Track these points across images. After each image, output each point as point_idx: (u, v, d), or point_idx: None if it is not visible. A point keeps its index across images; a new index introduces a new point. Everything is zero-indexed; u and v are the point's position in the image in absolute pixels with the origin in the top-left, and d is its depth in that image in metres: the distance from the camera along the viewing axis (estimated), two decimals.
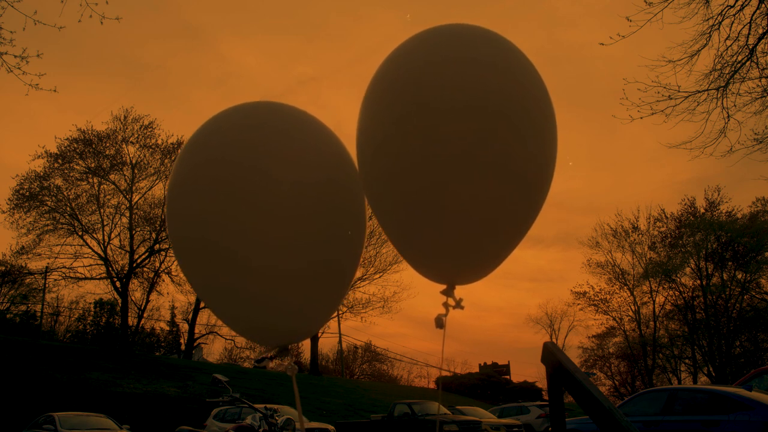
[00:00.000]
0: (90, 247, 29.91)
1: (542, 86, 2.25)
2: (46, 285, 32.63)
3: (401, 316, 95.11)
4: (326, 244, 2.10)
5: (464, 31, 2.23)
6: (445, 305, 2.32)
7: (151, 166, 30.51)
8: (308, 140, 2.17)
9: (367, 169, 2.29)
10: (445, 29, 2.26)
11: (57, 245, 29.24)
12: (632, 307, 37.79)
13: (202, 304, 33.89)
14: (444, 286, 2.35)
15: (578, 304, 39.30)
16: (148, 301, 33.41)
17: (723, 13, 9.62)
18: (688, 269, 35.63)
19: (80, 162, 29.27)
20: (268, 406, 6.65)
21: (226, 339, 38.89)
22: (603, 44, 9.68)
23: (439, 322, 2.30)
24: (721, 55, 9.92)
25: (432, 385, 45.66)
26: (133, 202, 30.23)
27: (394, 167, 2.15)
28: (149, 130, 30.53)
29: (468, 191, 2.09)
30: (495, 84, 2.08)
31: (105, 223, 30.06)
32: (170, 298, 59.79)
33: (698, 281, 35.27)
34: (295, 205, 2.02)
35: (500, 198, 2.15)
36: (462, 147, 2.05)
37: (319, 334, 36.04)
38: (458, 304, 2.34)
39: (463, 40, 2.18)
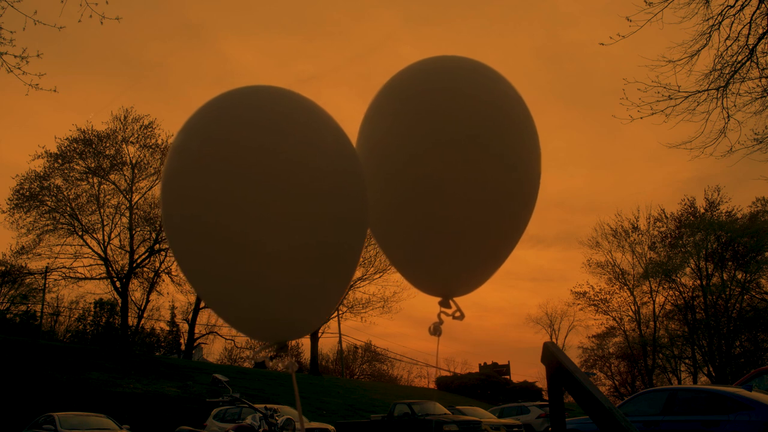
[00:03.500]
0: (90, 247, 29.95)
1: (530, 118, 2.43)
2: (46, 285, 32.65)
3: (401, 316, 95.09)
4: (337, 225, 2.10)
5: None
6: (439, 315, 2.34)
7: (151, 166, 30.54)
8: (328, 131, 2.19)
9: (381, 192, 2.36)
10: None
11: (57, 245, 29.28)
12: (632, 307, 37.82)
13: (202, 304, 33.89)
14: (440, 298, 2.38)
15: (578, 304, 39.36)
16: (148, 301, 33.45)
17: (723, 13, 9.63)
18: (688, 269, 35.67)
19: (80, 162, 29.29)
20: (268, 406, 6.66)
21: (226, 339, 38.96)
22: (603, 44, 9.70)
23: (436, 330, 2.31)
24: (721, 55, 9.93)
25: (432, 385, 45.68)
26: (133, 202, 30.26)
27: (412, 193, 2.28)
28: (149, 129, 30.57)
29: (465, 214, 2.28)
30: (484, 115, 2.25)
31: (105, 223, 30.09)
32: (170, 298, 59.76)
33: (698, 281, 35.28)
34: (314, 190, 2.03)
35: (493, 216, 2.33)
36: (465, 176, 2.22)
37: (319, 334, 36.05)
38: (459, 313, 2.35)
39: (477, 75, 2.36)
